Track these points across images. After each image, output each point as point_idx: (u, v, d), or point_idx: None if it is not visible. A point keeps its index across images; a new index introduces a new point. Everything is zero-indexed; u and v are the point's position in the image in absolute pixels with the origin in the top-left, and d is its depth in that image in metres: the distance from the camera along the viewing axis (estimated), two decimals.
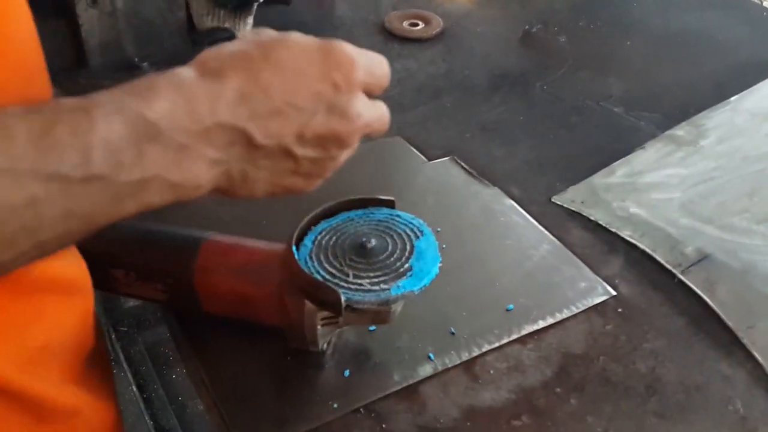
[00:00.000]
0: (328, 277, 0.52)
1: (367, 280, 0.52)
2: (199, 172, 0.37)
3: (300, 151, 0.40)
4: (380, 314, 0.53)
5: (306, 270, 0.52)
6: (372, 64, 0.42)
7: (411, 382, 0.58)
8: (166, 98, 0.35)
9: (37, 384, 0.45)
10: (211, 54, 0.39)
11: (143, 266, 0.57)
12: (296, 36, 0.40)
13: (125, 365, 1.39)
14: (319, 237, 0.56)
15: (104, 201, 0.34)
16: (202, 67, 0.38)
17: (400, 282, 0.52)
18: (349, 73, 0.40)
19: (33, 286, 0.44)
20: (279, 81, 0.38)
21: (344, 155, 0.44)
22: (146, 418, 1.29)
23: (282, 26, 0.99)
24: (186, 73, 0.37)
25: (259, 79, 0.38)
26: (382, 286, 0.52)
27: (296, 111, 0.39)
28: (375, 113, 0.43)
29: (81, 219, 0.34)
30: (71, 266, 0.49)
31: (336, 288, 0.50)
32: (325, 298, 0.50)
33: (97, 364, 0.54)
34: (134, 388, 1.35)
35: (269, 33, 0.41)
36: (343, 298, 0.49)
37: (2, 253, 0.33)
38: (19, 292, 0.43)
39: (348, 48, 0.41)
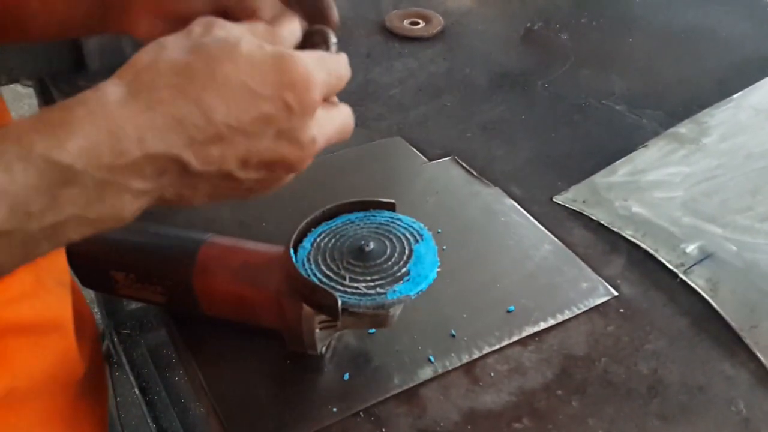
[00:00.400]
0: (324, 280, 0.52)
1: (364, 284, 0.51)
2: (123, 205, 0.33)
3: (242, 175, 0.36)
4: (378, 318, 0.53)
5: (303, 273, 0.52)
6: (330, 72, 0.38)
7: (411, 385, 0.58)
8: (83, 134, 0.31)
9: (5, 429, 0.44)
10: (146, 61, 0.34)
11: (143, 268, 0.57)
12: (247, 45, 0.35)
13: (127, 368, 1.39)
14: (317, 239, 0.56)
15: (13, 250, 0.31)
16: (133, 81, 0.33)
17: (397, 286, 0.51)
18: (303, 93, 0.35)
19: (2, 328, 0.43)
20: (223, 102, 0.34)
21: (291, 176, 0.39)
22: (148, 420, 1.29)
23: None
24: (112, 93, 0.33)
25: (200, 100, 0.33)
26: (378, 290, 0.51)
27: (241, 135, 0.34)
28: (333, 127, 0.39)
29: None
30: (44, 306, 0.48)
31: (333, 291, 0.50)
32: (321, 301, 0.50)
33: (85, 401, 0.54)
34: (136, 391, 1.35)
35: (217, 36, 0.36)
36: (339, 302, 0.49)
37: None
38: None
39: (304, 62, 0.36)
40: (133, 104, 0.32)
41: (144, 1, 0.45)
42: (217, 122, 0.33)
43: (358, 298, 0.51)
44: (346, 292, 0.51)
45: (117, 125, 0.31)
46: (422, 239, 0.56)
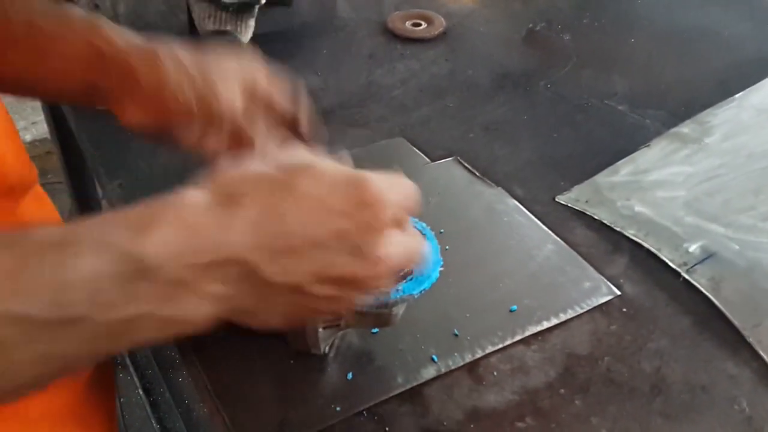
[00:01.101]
0: None
1: None
2: (197, 308, 0.34)
3: (315, 290, 0.36)
4: (382, 317, 0.53)
5: None
6: (399, 193, 0.40)
7: (414, 384, 0.58)
8: (166, 231, 0.32)
9: (7, 426, 0.44)
10: (231, 176, 0.36)
11: None
12: (326, 164, 0.37)
13: (131, 369, 1.40)
14: None
15: (85, 342, 0.31)
16: (218, 192, 0.35)
17: (400, 285, 0.51)
18: (378, 213, 0.37)
19: None
20: (300, 214, 0.35)
21: (358, 296, 0.40)
22: (152, 421, 1.30)
23: (284, 28, 0.99)
24: (198, 199, 0.34)
25: (279, 210, 0.34)
26: None
27: (315, 249, 0.35)
28: (403, 251, 0.40)
29: (60, 360, 0.32)
30: None
31: None
32: None
33: (95, 396, 0.54)
34: (140, 392, 1.36)
35: (299, 155, 0.38)
36: None
37: None
38: None
39: (378, 183, 0.37)
40: (215, 209, 0.34)
41: (134, 93, 0.50)
42: (294, 233, 0.34)
43: (395, 294, 0.51)
44: None
45: (197, 227, 0.33)
46: (424, 239, 0.56)
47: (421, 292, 0.51)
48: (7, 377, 0.30)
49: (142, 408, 1.37)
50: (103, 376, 0.55)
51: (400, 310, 0.53)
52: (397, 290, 0.51)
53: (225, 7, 0.96)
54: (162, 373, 1.41)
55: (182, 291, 0.32)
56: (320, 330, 0.53)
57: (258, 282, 0.34)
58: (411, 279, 0.52)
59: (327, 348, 0.58)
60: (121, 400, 1.44)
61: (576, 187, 0.81)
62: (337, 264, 0.36)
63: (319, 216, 0.35)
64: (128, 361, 1.42)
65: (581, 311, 0.66)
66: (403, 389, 0.58)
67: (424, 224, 0.58)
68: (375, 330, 0.62)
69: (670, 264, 0.70)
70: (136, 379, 1.39)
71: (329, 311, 0.41)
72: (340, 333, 0.59)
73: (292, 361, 0.59)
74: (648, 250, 0.72)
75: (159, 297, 0.32)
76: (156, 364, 1.43)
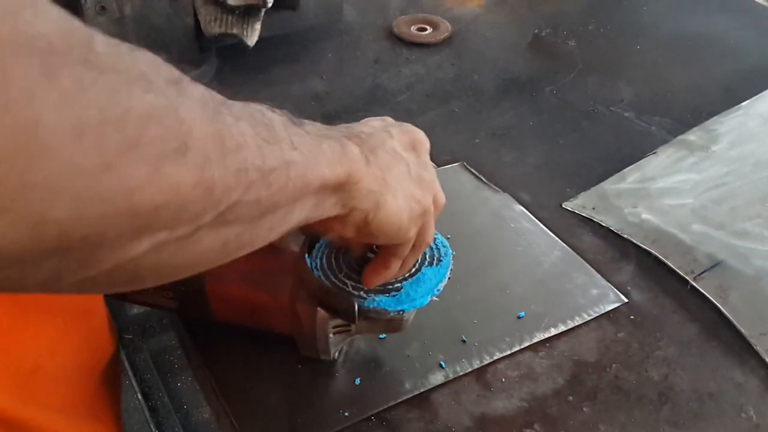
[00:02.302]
0: (337, 283, 0.52)
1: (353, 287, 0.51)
2: (355, 158, 0.40)
3: (397, 145, 0.45)
4: (392, 323, 0.53)
5: (317, 277, 0.52)
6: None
7: (422, 390, 0.58)
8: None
9: (29, 411, 0.44)
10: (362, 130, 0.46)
11: None
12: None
13: (130, 373, 1.39)
14: (329, 243, 0.56)
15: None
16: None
17: (378, 297, 0.51)
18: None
19: (28, 305, 0.43)
20: (360, 126, 0.46)
21: (429, 161, 0.48)
22: (151, 426, 1.29)
23: (289, 31, 0.99)
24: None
25: (348, 126, 0.45)
26: (362, 294, 0.51)
27: (375, 128, 0.46)
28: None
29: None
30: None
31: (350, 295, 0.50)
32: (338, 305, 0.50)
33: (104, 391, 0.54)
34: (139, 396, 1.35)
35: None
36: (356, 306, 0.49)
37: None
38: (12, 309, 0.42)
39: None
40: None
41: None
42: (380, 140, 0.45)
43: (370, 302, 0.50)
44: (360, 297, 0.51)
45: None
46: (439, 264, 0.55)
47: (398, 311, 0.51)
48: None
49: (141, 413, 1.36)
50: (111, 374, 0.55)
51: (411, 316, 0.53)
52: (373, 300, 0.50)
53: (231, 10, 0.96)
54: (161, 377, 1.40)
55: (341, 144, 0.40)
56: (331, 335, 0.53)
57: (362, 142, 0.42)
58: (395, 296, 0.51)
59: (336, 353, 0.58)
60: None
61: (583, 193, 0.81)
62: (395, 131, 0.46)
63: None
64: (127, 366, 1.41)
65: (589, 318, 0.66)
66: (411, 395, 0.57)
67: (449, 249, 0.56)
68: (383, 336, 0.61)
69: (678, 271, 0.70)
70: (134, 383, 1.39)
71: (426, 183, 0.46)
72: (348, 339, 0.59)
73: (300, 366, 0.59)
74: (655, 258, 0.72)
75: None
76: (155, 369, 1.43)
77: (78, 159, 0.22)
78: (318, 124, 0.40)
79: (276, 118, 0.34)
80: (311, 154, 0.35)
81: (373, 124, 0.47)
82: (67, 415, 0.48)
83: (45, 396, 0.46)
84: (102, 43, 0.24)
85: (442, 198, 0.49)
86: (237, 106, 0.31)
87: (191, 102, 0.27)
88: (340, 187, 0.38)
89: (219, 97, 0.30)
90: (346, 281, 0.52)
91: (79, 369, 0.50)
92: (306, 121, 0.39)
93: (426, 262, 0.54)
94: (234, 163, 0.29)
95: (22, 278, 0.24)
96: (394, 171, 0.43)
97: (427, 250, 0.55)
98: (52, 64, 0.21)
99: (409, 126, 0.48)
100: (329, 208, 0.39)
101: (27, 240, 0.22)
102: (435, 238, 0.56)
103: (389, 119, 0.50)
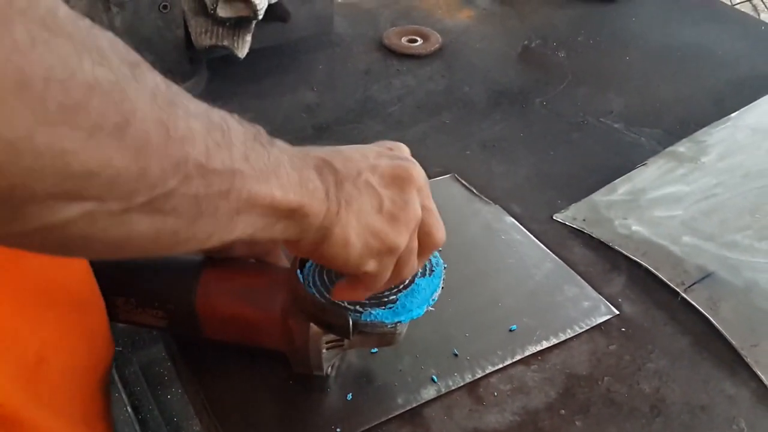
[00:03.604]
0: (329, 297, 0.52)
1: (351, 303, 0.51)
2: (311, 191, 0.40)
3: (376, 180, 0.44)
4: (385, 337, 0.52)
5: (310, 292, 0.52)
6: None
7: (414, 405, 0.58)
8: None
9: (29, 410, 0.44)
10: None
11: (143, 293, 0.56)
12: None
13: (120, 386, 1.38)
14: None
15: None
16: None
17: (374, 310, 0.51)
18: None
19: (26, 295, 0.43)
20: (349, 151, 0.45)
21: (416, 199, 0.46)
22: None
23: (280, 43, 0.99)
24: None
25: (337, 150, 0.44)
26: (357, 308, 0.51)
27: (364, 156, 0.45)
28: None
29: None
30: (78, 279, 0.48)
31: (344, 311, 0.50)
32: (332, 321, 0.50)
33: (99, 399, 0.54)
34: (129, 409, 1.34)
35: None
36: (350, 321, 0.49)
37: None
38: (12, 299, 0.42)
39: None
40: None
41: None
42: (346, 152, 0.45)
43: (367, 316, 0.50)
44: (356, 311, 0.51)
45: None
46: (432, 274, 0.55)
47: (394, 322, 0.51)
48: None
49: (131, 426, 1.35)
50: (106, 383, 0.55)
51: (403, 330, 0.53)
52: (370, 314, 0.50)
53: (222, 22, 0.96)
54: (150, 390, 1.39)
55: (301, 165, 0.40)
56: (323, 351, 0.53)
57: (335, 172, 0.42)
58: (390, 308, 0.51)
59: (329, 369, 0.58)
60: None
61: (573, 205, 0.81)
62: (383, 163, 0.45)
63: (362, 150, 0.46)
64: (116, 378, 1.40)
65: (580, 331, 0.66)
66: (403, 410, 0.57)
67: (441, 260, 0.56)
68: (374, 350, 0.61)
69: (668, 283, 0.71)
70: (124, 396, 1.37)
71: (399, 221, 0.45)
72: (341, 353, 0.59)
73: (291, 381, 0.58)
74: (646, 269, 0.72)
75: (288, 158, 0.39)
76: (145, 381, 1.42)
77: (16, 109, 0.23)
78: (294, 148, 0.40)
79: (238, 129, 0.35)
80: (263, 173, 0.36)
81: (365, 151, 0.46)
82: (65, 419, 0.47)
83: (48, 393, 0.45)
84: (65, 12, 0.25)
85: (436, 237, 0.48)
86: (196, 104, 0.32)
87: (142, 86, 0.28)
88: (290, 215, 0.39)
89: (180, 91, 0.31)
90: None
91: (79, 370, 0.49)
92: (279, 142, 0.39)
93: (419, 273, 0.54)
94: (174, 152, 0.30)
95: None
96: (356, 206, 0.43)
97: None
98: (9, 17, 0.23)
99: (403, 162, 0.46)
100: (279, 232, 0.39)
101: None
102: None
103: (387, 145, 0.49)
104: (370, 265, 0.45)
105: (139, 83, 0.28)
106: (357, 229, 0.43)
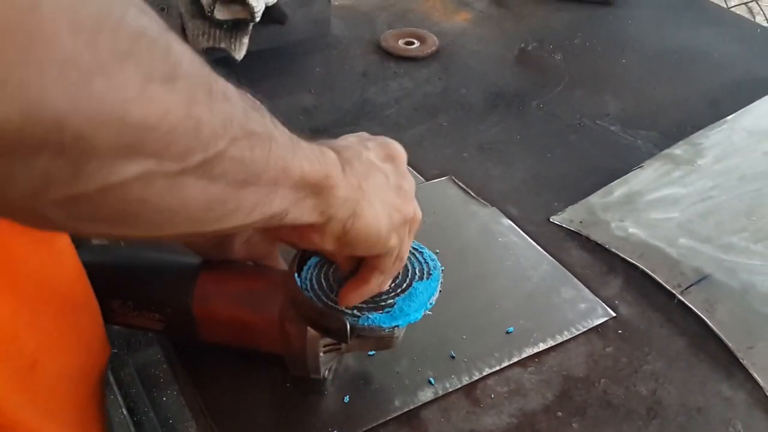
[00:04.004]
0: (327, 301, 0.52)
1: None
2: (332, 162, 0.41)
3: (374, 156, 0.46)
4: (383, 340, 0.52)
5: (307, 296, 0.52)
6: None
7: (412, 407, 0.58)
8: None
9: (25, 413, 0.43)
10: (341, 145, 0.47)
11: (140, 296, 0.56)
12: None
13: (115, 387, 1.38)
14: (318, 262, 0.55)
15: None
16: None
17: (372, 315, 0.51)
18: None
19: (24, 293, 0.43)
20: (338, 140, 0.47)
21: (407, 171, 0.49)
22: None
23: (277, 45, 0.98)
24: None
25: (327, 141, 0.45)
26: (355, 312, 0.51)
27: (353, 141, 0.47)
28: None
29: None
30: (72, 281, 0.48)
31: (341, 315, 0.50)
32: (329, 325, 0.50)
33: (94, 403, 0.53)
34: (124, 411, 1.34)
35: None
36: (348, 325, 0.49)
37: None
38: (11, 297, 0.42)
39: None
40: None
41: None
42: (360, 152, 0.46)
43: (365, 320, 0.50)
44: (353, 315, 0.51)
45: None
46: (429, 278, 0.55)
47: (392, 327, 0.51)
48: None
49: (126, 428, 1.34)
50: (101, 387, 0.55)
51: (401, 333, 0.53)
52: (367, 318, 0.50)
53: (219, 25, 0.96)
54: (146, 392, 1.39)
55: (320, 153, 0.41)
56: (321, 354, 0.53)
57: (339, 155, 0.42)
58: (388, 312, 0.51)
59: (326, 372, 0.58)
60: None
61: (570, 207, 0.82)
62: (372, 144, 0.47)
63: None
64: (111, 380, 1.40)
65: (577, 333, 0.66)
66: (400, 412, 0.57)
67: (438, 263, 0.56)
68: (371, 353, 0.61)
69: (665, 285, 0.71)
70: (119, 398, 1.37)
71: (405, 192, 0.47)
72: (339, 356, 0.59)
73: (288, 384, 0.59)
74: (642, 272, 0.73)
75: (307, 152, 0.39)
76: (140, 383, 1.41)
77: (72, 52, 0.23)
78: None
79: (260, 104, 0.36)
80: (290, 144, 0.37)
81: (349, 139, 0.48)
82: (60, 423, 0.47)
83: (43, 396, 0.45)
84: None
85: (419, 212, 0.50)
86: (222, 78, 0.33)
87: (181, 44, 0.29)
88: (318, 190, 0.39)
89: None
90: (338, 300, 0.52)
91: (74, 373, 0.49)
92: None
93: (416, 276, 0.54)
94: (220, 111, 0.30)
95: (10, 175, 0.24)
96: (371, 180, 0.44)
97: (416, 264, 0.55)
98: None
99: (385, 139, 0.49)
100: (308, 212, 0.40)
101: (20, 119, 0.23)
102: (423, 252, 0.56)
103: (365, 134, 0.50)
104: (394, 239, 0.46)
105: (178, 40, 0.29)
106: (379, 203, 0.44)
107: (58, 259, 0.46)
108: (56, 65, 0.23)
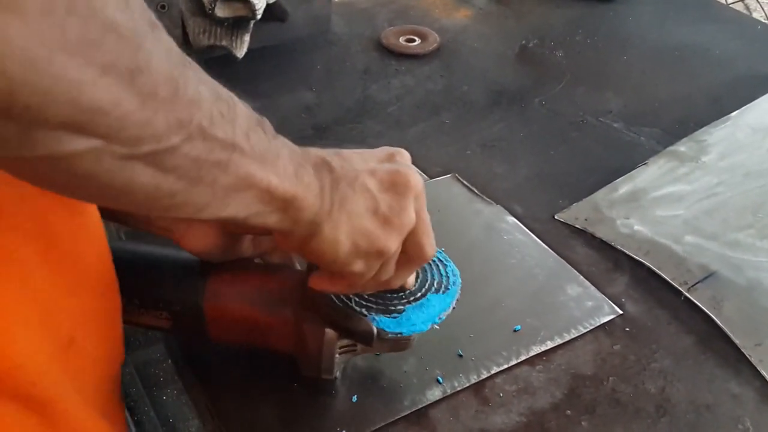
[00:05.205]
0: (337, 302, 0.51)
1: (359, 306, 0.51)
2: (305, 186, 0.41)
3: (373, 183, 0.45)
4: (401, 342, 0.52)
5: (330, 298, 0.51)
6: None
7: (420, 406, 0.57)
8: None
9: (61, 389, 0.43)
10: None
11: (148, 293, 0.55)
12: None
13: None
14: None
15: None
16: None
17: (378, 317, 0.50)
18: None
19: (65, 271, 0.43)
20: (350, 154, 0.46)
21: (412, 206, 0.46)
22: None
23: (278, 43, 0.98)
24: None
25: (338, 152, 0.46)
26: (363, 311, 0.50)
27: (364, 160, 0.46)
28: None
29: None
30: (103, 266, 0.48)
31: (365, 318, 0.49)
32: (354, 328, 0.49)
33: (118, 395, 0.53)
34: (125, 410, 1.33)
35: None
36: (375, 329, 0.48)
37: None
38: (52, 273, 0.42)
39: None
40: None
41: None
42: (346, 155, 0.46)
43: (373, 320, 0.50)
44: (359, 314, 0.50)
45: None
46: (446, 292, 0.54)
47: (396, 333, 0.50)
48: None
49: (127, 427, 1.34)
50: (119, 382, 0.55)
51: (417, 335, 0.53)
52: (374, 319, 0.50)
53: (220, 22, 0.96)
54: (146, 391, 1.39)
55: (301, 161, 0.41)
56: (336, 355, 0.52)
57: (331, 172, 0.43)
58: (395, 318, 0.51)
59: (338, 373, 0.57)
60: None
61: (575, 204, 0.81)
62: (382, 168, 0.46)
63: (364, 154, 0.48)
64: None
65: (584, 331, 0.65)
66: (409, 411, 0.57)
67: (459, 280, 0.56)
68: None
69: (671, 283, 0.71)
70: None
71: (392, 225, 0.46)
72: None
73: (296, 384, 0.58)
74: (649, 269, 0.72)
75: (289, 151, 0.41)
76: (140, 382, 1.41)
77: (39, 32, 0.24)
78: (296, 146, 0.42)
79: (243, 109, 0.37)
80: (262, 157, 0.37)
81: (365, 155, 0.48)
82: (91, 407, 0.47)
83: (77, 377, 0.45)
84: None
85: (425, 249, 0.48)
86: (206, 76, 0.34)
87: (158, 42, 0.30)
88: (285, 206, 0.40)
89: (191, 62, 0.33)
90: (351, 296, 0.51)
91: (102, 358, 0.49)
92: (283, 138, 0.41)
93: (433, 289, 0.54)
94: (180, 110, 0.31)
95: None
96: (349, 206, 0.44)
97: (436, 275, 0.55)
98: None
99: (402, 169, 0.46)
100: (273, 222, 0.41)
101: None
102: (447, 266, 0.56)
103: (395, 155, 0.49)
104: (357, 265, 0.46)
105: (156, 39, 0.30)
106: (347, 229, 0.44)
107: (89, 236, 0.46)
108: (21, 38, 0.24)
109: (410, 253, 0.48)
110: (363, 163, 0.46)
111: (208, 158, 0.33)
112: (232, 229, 0.52)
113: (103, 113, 0.27)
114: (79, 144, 0.28)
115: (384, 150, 0.49)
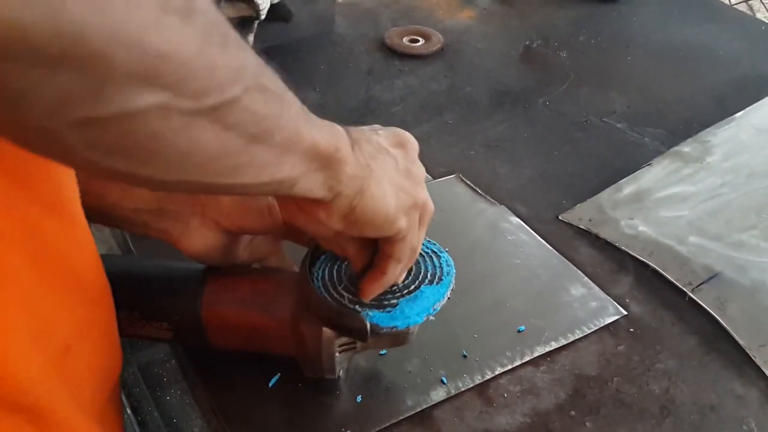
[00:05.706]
0: (339, 299, 0.51)
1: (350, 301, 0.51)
2: (343, 138, 0.41)
3: (383, 141, 0.47)
4: (399, 336, 0.52)
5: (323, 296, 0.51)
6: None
7: (424, 406, 0.57)
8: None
9: (57, 400, 0.43)
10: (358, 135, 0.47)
11: (148, 305, 0.55)
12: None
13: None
14: (330, 262, 0.55)
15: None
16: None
17: (372, 312, 0.50)
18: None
19: (65, 281, 0.43)
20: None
21: (418, 160, 0.49)
22: None
23: (282, 43, 0.98)
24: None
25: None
26: (357, 308, 0.50)
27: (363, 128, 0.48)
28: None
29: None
30: (96, 273, 0.48)
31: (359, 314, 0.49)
32: (349, 325, 0.49)
33: (114, 403, 0.53)
34: (128, 411, 1.33)
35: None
36: (368, 325, 0.48)
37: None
38: (48, 281, 0.41)
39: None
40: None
41: (207, 210, 0.53)
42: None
43: (367, 316, 0.50)
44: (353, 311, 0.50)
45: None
46: (440, 283, 0.54)
47: (391, 327, 0.50)
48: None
49: (131, 427, 1.34)
50: (118, 390, 0.55)
51: (415, 328, 0.52)
52: (368, 315, 0.50)
53: None
54: (150, 391, 1.39)
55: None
56: (336, 354, 0.52)
57: (352, 140, 0.42)
58: (388, 312, 0.51)
59: (341, 372, 0.57)
60: None
61: (579, 205, 0.81)
62: (383, 132, 0.49)
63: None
64: None
65: (589, 331, 0.65)
66: (413, 412, 0.57)
67: (453, 270, 0.55)
68: (383, 351, 0.61)
69: (676, 283, 0.70)
70: (123, 397, 1.37)
71: (414, 176, 0.48)
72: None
73: (300, 384, 0.58)
74: (653, 270, 0.72)
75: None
76: (144, 382, 1.41)
77: None
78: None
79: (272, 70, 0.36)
80: (302, 112, 0.37)
81: (360, 128, 0.48)
82: (88, 416, 0.46)
83: (73, 386, 0.44)
84: None
85: (431, 203, 0.50)
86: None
87: None
88: (328, 163, 0.39)
89: None
90: (344, 294, 0.51)
91: (99, 367, 0.49)
92: None
93: (426, 280, 0.53)
94: (234, 57, 0.31)
95: (33, 89, 0.25)
96: (379, 161, 0.44)
97: (429, 266, 0.55)
98: None
99: (396, 129, 0.50)
100: (317, 185, 0.40)
101: (43, 24, 0.23)
102: (441, 256, 0.56)
103: (377, 126, 0.51)
104: (402, 221, 0.46)
105: None
106: (387, 181, 0.44)
107: (79, 243, 0.46)
108: None
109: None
110: (365, 129, 0.48)
111: (266, 111, 0.33)
112: (280, 197, 0.50)
113: (167, 59, 0.27)
114: (148, 98, 0.27)
115: (392, 130, 0.50)
